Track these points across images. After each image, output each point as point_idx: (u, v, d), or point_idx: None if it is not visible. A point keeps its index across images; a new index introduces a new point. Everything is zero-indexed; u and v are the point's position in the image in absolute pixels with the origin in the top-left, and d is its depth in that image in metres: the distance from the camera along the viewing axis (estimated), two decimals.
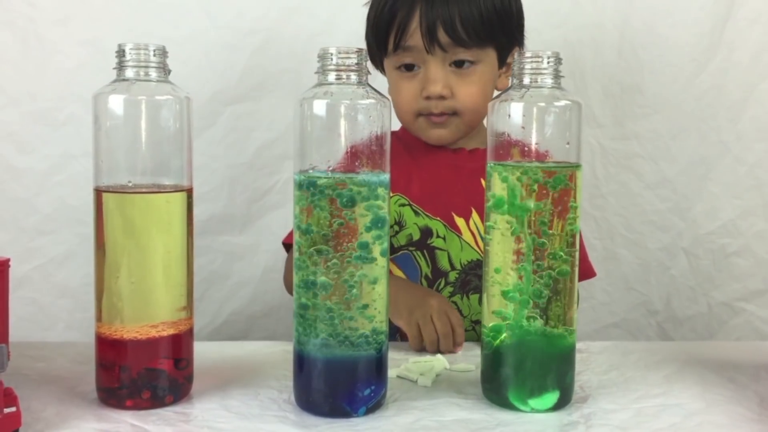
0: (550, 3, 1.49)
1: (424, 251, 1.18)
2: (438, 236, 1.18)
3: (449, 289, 1.17)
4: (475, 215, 1.20)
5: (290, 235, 1.22)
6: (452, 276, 1.17)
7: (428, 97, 1.16)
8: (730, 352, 1.02)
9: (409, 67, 1.18)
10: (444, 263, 1.17)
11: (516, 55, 0.82)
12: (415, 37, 1.14)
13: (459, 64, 1.16)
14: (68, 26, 1.43)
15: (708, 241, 1.55)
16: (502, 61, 1.20)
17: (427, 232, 1.18)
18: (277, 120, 1.49)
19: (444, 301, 1.07)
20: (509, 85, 1.22)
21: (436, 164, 1.23)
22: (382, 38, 1.18)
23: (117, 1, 1.44)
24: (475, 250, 1.18)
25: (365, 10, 1.23)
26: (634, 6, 1.51)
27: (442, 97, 1.16)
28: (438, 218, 1.19)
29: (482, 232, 1.19)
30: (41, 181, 1.45)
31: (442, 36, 1.13)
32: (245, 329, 1.53)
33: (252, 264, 1.52)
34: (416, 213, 1.19)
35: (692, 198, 1.54)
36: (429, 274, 1.18)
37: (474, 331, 1.17)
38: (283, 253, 1.52)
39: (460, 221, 1.19)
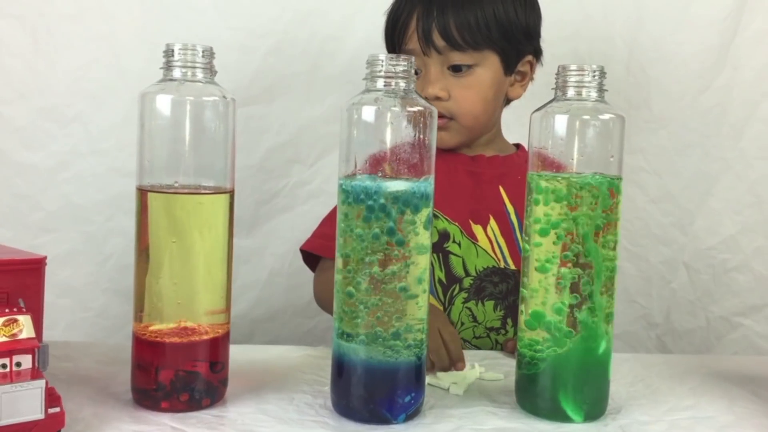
0: (562, 15, 1.50)
1: (439, 254, 1.18)
2: (454, 241, 1.18)
3: (464, 294, 1.18)
4: (492, 222, 1.20)
5: (310, 240, 1.21)
6: (467, 282, 1.18)
7: (426, 99, 1.17)
8: (749, 366, 1.03)
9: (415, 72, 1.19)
10: (458, 269, 1.18)
11: (559, 68, 0.82)
12: (413, 40, 1.17)
13: (457, 68, 1.17)
14: (80, 22, 1.41)
15: (708, 256, 1.57)
16: (510, 68, 1.21)
17: (444, 236, 1.19)
18: (288, 123, 1.48)
19: (438, 317, 1.02)
20: (521, 95, 1.25)
21: (455, 170, 1.23)
22: (389, 44, 1.23)
23: None
24: (492, 257, 1.19)
25: (379, 16, 1.24)
26: (644, 22, 1.53)
27: (438, 99, 1.17)
28: (456, 223, 1.19)
29: (499, 239, 1.19)
30: (47, 178, 1.43)
31: (438, 39, 1.15)
32: (248, 333, 1.52)
33: (258, 267, 1.51)
34: (435, 216, 1.20)
35: (694, 213, 1.57)
36: (443, 279, 1.18)
37: (488, 338, 1.18)
38: (290, 257, 1.52)
39: (477, 228, 1.20)
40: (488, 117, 1.22)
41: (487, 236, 1.20)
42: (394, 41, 1.21)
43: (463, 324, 1.17)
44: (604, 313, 0.79)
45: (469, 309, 1.18)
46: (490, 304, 1.18)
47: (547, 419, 0.80)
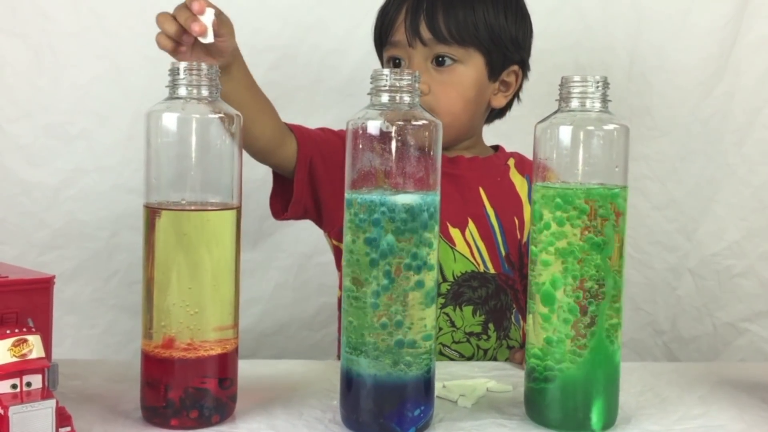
0: (562, 25, 1.52)
1: None
2: None
3: (441, 300, 1.16)
4: (471, 225, 1.19)
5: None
6: (444, 287, 1.16)
7: None
8: (757, 373, 1.03)
9: (397, 64, 1.20)
10: None
11: (562, 79, 0.83)
12: (400, 31, 1.17)
13: (440, 62, 1.17)
14: (82, 39, 1.43)
15: (713, 262, 1.57)
16: (495, 73, 1.20)
17: None
18: None
19: None
20: (503, 104, 1.24)
21: None
22: (377, 39, 1.23)
23: (132, 15, 1.44)
24: (470, 262, 1.17)
25: None
26: (644, 30, 1.53)
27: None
28: None
29: (478, 243, 1.19)
30: (52, 196, 1.44)
31: (424, 31, 1.15)
32: (254, 347, 1.52)
33: (263, 281, 1.52)
34: None
35: (698, 219, 1.57)
36: None
37: (469, 344, 1.17)
38: (295, 270, 1.53)
39: (454, 231, 1.18)
40: (468, 118, 1.20)
41: (465, 240, 1.18)
42: (382, 35, 1.21)
43: (441, 330, 1.16)
44: (613, 324, 0.79)
45: (447, 315, 1.16)
46: (468, 309, 1.17)
47: (557, 431, 0.79)
